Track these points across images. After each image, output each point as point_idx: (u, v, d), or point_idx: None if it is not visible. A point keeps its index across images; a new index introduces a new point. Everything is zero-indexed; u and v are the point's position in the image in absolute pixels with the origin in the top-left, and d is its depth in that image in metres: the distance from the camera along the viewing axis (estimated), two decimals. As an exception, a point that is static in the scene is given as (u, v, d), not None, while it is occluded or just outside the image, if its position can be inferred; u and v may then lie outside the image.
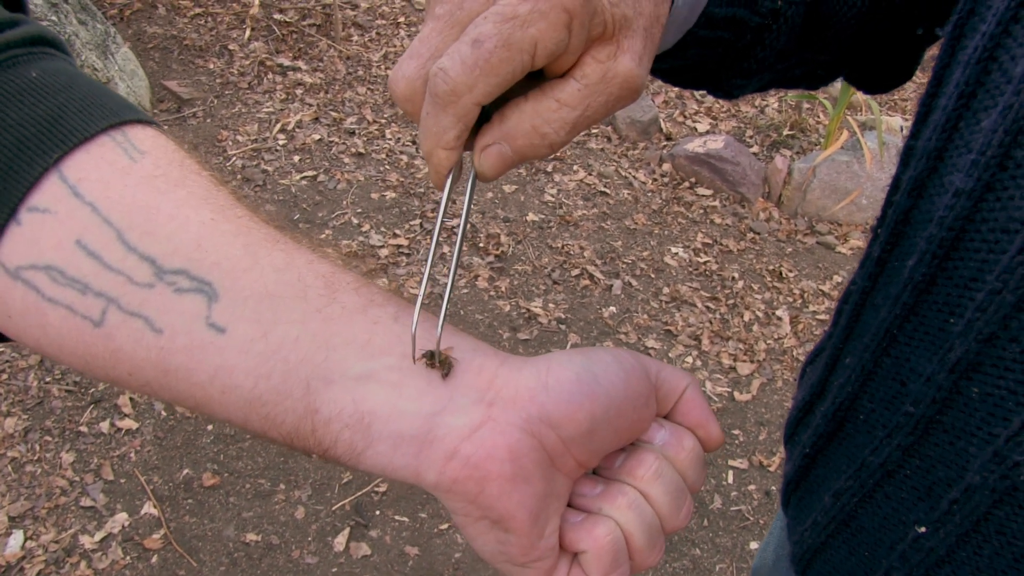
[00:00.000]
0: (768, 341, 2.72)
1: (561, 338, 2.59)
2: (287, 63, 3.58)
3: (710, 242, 3.09)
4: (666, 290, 2.84)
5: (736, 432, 2.42)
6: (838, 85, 3.32)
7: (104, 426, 2.17)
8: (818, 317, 2.85)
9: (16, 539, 1.90)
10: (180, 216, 0.41)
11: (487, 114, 0.42)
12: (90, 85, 0.44)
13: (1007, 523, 0.43)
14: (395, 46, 3.82)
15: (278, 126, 3.25)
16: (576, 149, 3.43)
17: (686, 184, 3.35)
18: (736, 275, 2.96)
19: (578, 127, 0.41)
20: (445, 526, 2.05)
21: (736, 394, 2.53)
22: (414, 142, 3.29)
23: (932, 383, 0.45)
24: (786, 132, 3.62)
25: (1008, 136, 0.40)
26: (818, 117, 3.78)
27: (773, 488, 2.30)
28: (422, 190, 3.05)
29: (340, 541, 1.99)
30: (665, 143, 3.55)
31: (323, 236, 2.73)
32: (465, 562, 1.98)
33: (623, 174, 3.35)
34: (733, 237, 3.13)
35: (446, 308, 0.41)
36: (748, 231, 3.18)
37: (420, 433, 0.38)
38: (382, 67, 3.68)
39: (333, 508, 2.06)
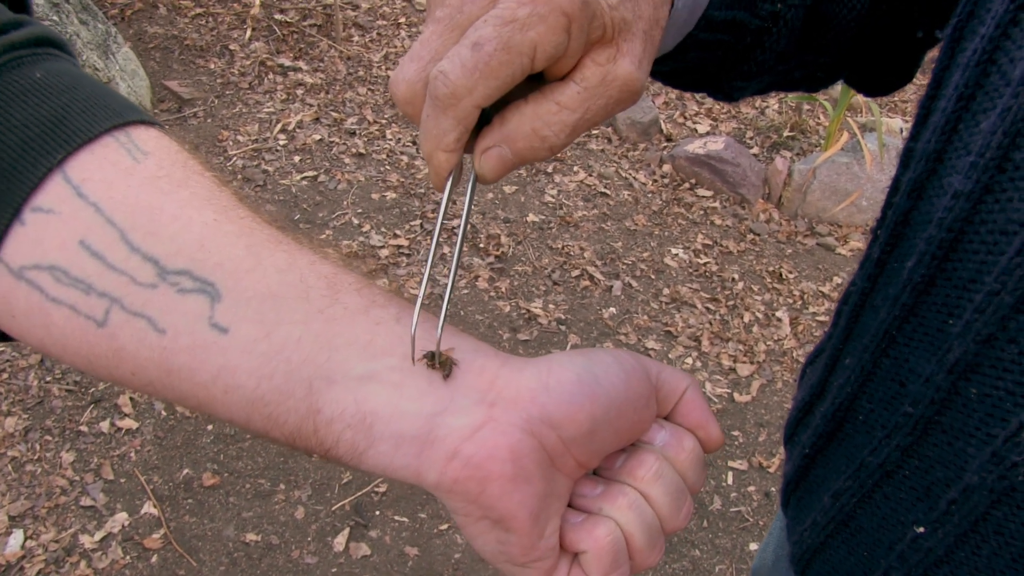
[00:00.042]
0: (768, 342, 2.72)
1: (561, 339, 2.59)
2: (288, 63, 3.59)
3: (710, 243, 3.10)
4: (666, 291, 2.85)
5: (736, 433, 2.43)
6: (838, 87, 3.32)
7: (104, 426, 2.17)
8: (818, 318, 2.85)
9: (16, 538, 1.90)
10: (183, 217, 0.41)
11: (487, 117, 0.42)
12: (94, 86, 0.44)
13: (1005, 523, 0.43)
14: (396, 47, 3.83)
15: (279, 126, 3.25)
16: (576, 150, 3.43)
17: (686, 185, 3.35)
18: (736, 276, 2.97)
19: (578, 130, 0.41)
20: (445, 527, 2.05)
21: (736, 395, 2.53)
22: (414, 143, 3.29)
23: (931, 384, 0.45)
24: (786, 133, 3.62)
25: (1007, 138, 0.40)
26: (818, 119, 3.78)
27: (773, 489, 2.30)
28: (422, 191, 3.06)
29: (340, 541, 1.99)
30: (665, 144, 3.55)
31: (323, 236, 2.73)
32: (465, 563, 1.98)
33: (623, 175, 3.35)
34: (733, 238, 3.14)
35: (446, 309, 0.41)
36: (748, 232, 3.18)
37: (421, 433, 0.39)
38: (383, 68, 3.69)
39: (333, 508, 2.06)
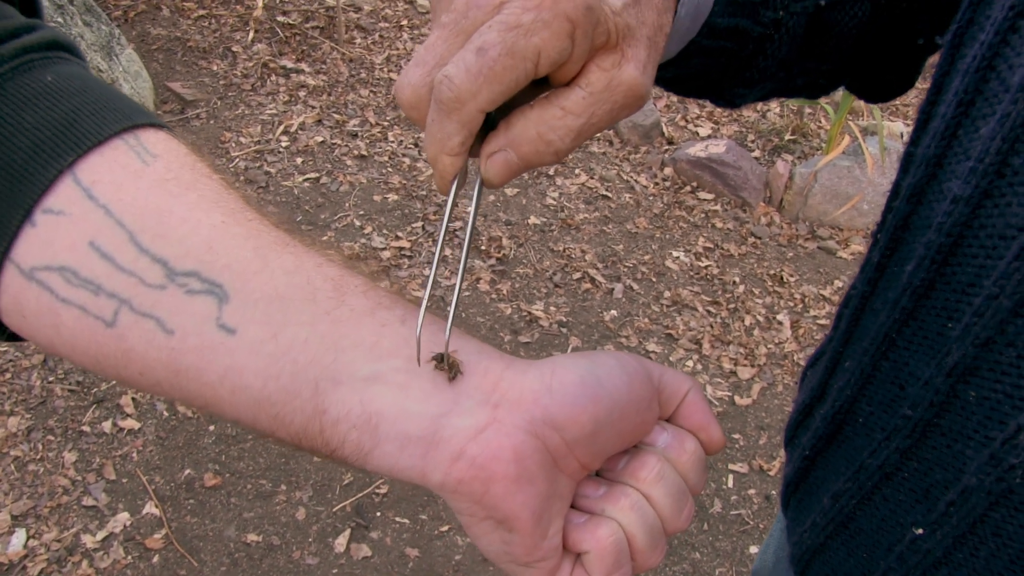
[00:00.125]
0: (769, 345, 2.72)
1: (562, 341, 2.60)
2: (290, 65, 3.59)
3: (711, 246, 3.10)
4: (667, 294, 2.85)
5: (736, 436, 2.43)
6: (840, 90, 3.32)
7: (106, 426, 2.17)
8: (819, 322, 2.86)
9: (18, 538, 1.91)
10: (192, 219, 0.41)
11: (493, 122, 0.43)
12: (103, 89, 0.44)
13: (1003, 525, 0.43)
14: (398, 49, 3.83)
15: (281, 128, 3.26)
16: (578, 153, 3.44)
17: (688, 188, 3.35)
18: (737, 279, 2.97)
19: (583, 135, 0.42)
20: (446, 528, 2.05)
21: (737, 398, 2.53)
22: (416, 145, 3.30)
23: (930, 387, 0.45)
24: (788, 137, 3.63)
25: (1006, 144, 0.40)
26: (820, 122, 3.78)
27: (773, 492, 2.30)
28: (424, 193, 3.06)
29: (341, 542, 1.99)
30: (667, 147, 3.56)
31: (325, 238, 2.73)
32: (465, 564, 1.98)
33: (625, 178, 3.36)
34: (734, 241, 3.14)
35: (454, 311, 0.42)
36: (749, 235, 3.19)
37: (426, 434, 0.39)
38: (385, 70, 3.69)
39: (334, 509, 2.07)
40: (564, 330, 2.64)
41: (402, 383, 0.40)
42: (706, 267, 3.00)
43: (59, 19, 2.87)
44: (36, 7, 0.49)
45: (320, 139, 3.24)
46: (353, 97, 3.50)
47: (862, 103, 3.58)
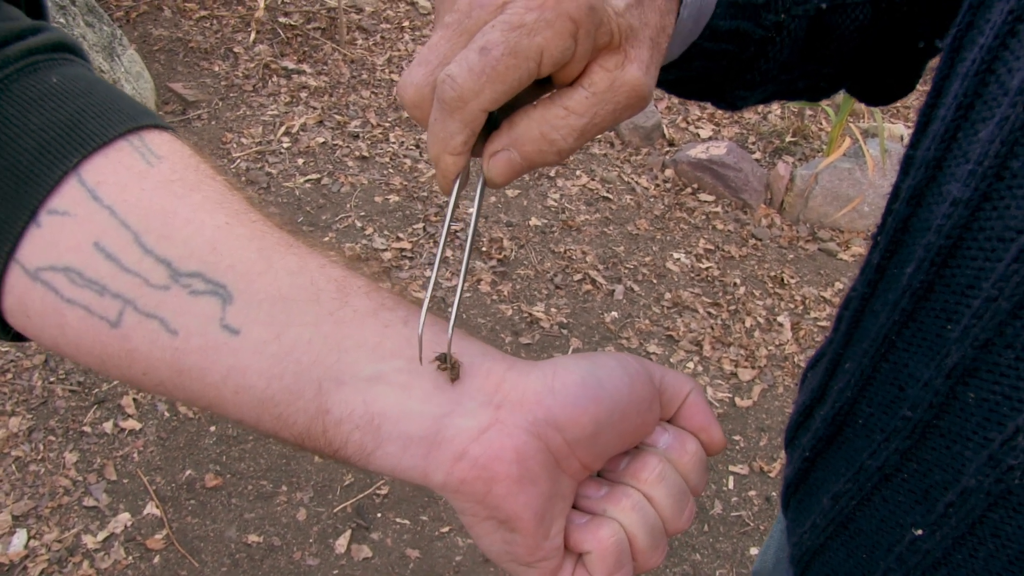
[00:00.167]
0: (769, 347, 2.72)
1: (563, 343, 2.60)
2: (292, 66, 3.60)
3: (712, 248, 3.10)
4: (668, 295, 2.85)
5: (737, 438, 2.43)
6: (841, 93, 3.32)
7: (107, 426, 2.17)
8: (819, 323, 2.86)
9: (19, 538, 1.91)
10: (196, 220, 0.42)
11: (496, 122, 0.43)
12: (108, 90, 0.45)
13: (1002, 526, 0.43)
14: (399, 50, 3.84)
15: (282, 129, 3.26)
16: (579, 154, 3.44)
17: (688, 190, 3.36)
18: (738, 281, 2.97)
19: (586, 134, 0.42)
20: (446, 529, 2.05)
21: (737, 400, 2.53)
22: (418, 146, 3.30)
23: (929, 388, 0.45)
24: (788, 139, 3.63)
25: (1004, 147, 0.41)
26: (820, 124, 3.79)
27: (773, 494, 2.30)
28: (425, 194, 3.06)
29: (341, 543, 1.99)
30: (668, 149, 3.56)
31: (326, 239, 2.74)
32: (466, 565, 1.99)
33: (626, 179, 3.36)
34: (735, 243, 3.14)
35: (456, 311, 0.42)
36: (750, 237, 3.19)
37: (429, 434, 0.39)
38: (386, 71, 3.70)
39: (335, 510, 2.07)
40: (565, 331, 2.64)
41: (405, 384, 0.40)
42: (707, 269, 3.00)
43: (61, 19, 2.88)
44: (41, 9, 0.50)
45: (321, 140, 3.24)
46: (354, 98, 3.50)
47: (863, 105, 3.58)
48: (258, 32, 3.74)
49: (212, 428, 2.21)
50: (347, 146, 3.25)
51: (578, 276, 2.86)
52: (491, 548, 0.42)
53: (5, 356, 2.29)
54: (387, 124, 3.40)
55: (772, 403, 2.55)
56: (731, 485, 2.30)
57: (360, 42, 3.84)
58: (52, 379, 2.26)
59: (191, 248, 0.41)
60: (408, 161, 3.22)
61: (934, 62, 0.57)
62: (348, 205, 2.96)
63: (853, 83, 0.69)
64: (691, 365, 2.62)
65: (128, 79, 3.11)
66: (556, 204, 3.16)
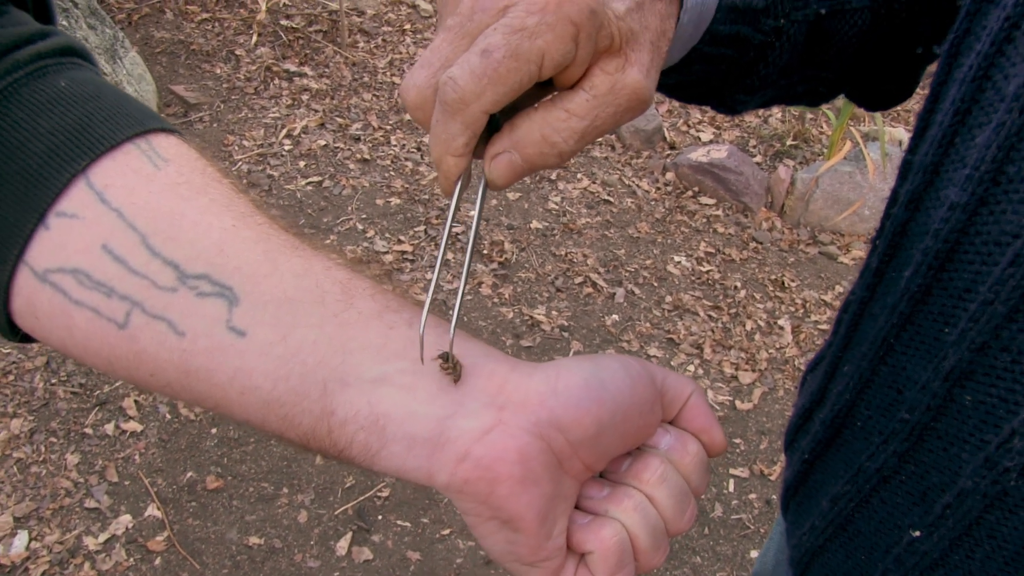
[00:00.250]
0: (770, 350, 2.73)
1: (564, 345, 2.60)
2: (293, 69, 3.60)
3: (713, 251, 3.11)
4: (669, 299, 2.86)
5: (737, 441, 2.43)
6: (841, 96, 3.32)
7: (109, 428, 2.18)
8: (820, 327, 2.86)
9: (21, 539, 1.91)
10: (203, 222, 0.42)
11: (498, 124, 0.43)
12: (116, 94, 0.45)
13: (998, 527, 0.44)
14: (401, 53, 3.84)
15: (284, 131, 3.27)
16: (580, 157, 3.45)
17: (689, 193, 3.36)
18: (738, 284, 2.97)
19: (587, 137, 0.42)
20: (447, 531, 2.06)
21: (738, 403, 2.54)
22: (419, 148, 3.31)
23: (927, 391, 0.46)
24: (789, 142, 3.63)
25: (1001, 152, 0.41)
26: (821, 128, 3.79)
27: (774, 497, 2.30)
28: (427, 196, 3.07)
29: (342, 545, 2.00)
30: (669, 152, 3.56)
31: (328, 242, 2.74)
32: (467, 568, 1.99)
33: (627, 183, 3.36)
34: (736, 246, 3.15)
35: (458, 311, 0.42)
36: (751, 240, 3.19)
37: (433, 435, 0.40)
38: (388, 73, 3.70)
39: (336, 512, 2.07)
40: (566, 334, 2.64)
41: (409, 385, 0.40)
42: (707, 272, 3.00)
43: (64, 22, 2.88)
44: (49, 13, 0.50)
45: (323, 143, 3.25)
46: (356, 101, 3.51)
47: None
48: (260, 35, 3.74)
49: (213, 430, 2.21)
50: (348, 149, 3.25)
51: (579, 279, 2.86)
52: (494, 548, 0.42)
53: (7, 358, 2.29)
54: (388, 127, 3.40)
55: (772, 406, 2.55)
56: (731, 488, 2.30)
57: (362, 45, 3.84)
58: (54, 381, 2.26)
59: (198, 250, 0.41)
60: (409, 164, 3.22)
61: (933, 67, 0.57)
62: (349, 208, 2.97)
63: (852, 88, 0.69)
64: (692, 368, 2.62)
65: (130, 81, 3.12)
66: (557, 207, 3.16)
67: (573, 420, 0.40)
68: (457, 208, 0.44)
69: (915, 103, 3.95)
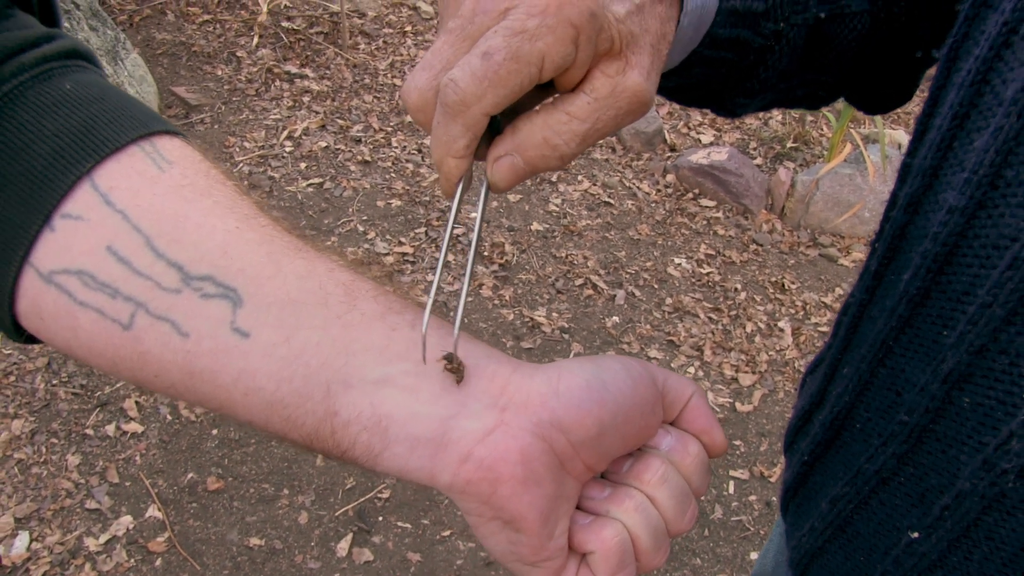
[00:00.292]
0: (770, 352, 2.73)
1: (564, 347, 2.61)
2: (294, 70, 3.61)
3: (713, 253, 3.11)
4: (669, 301, 2.86)
5: (737, 443, 2.43)
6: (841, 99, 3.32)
7: (110, 429, 2.18)
8: (820, 329, 2.86)
9: (22, 540, 1.92)
10: (206, 224, 0.42)
11: (499, 127, 0.44)
12: (120, 97, 0.46)
13: (996, 528, 0.44)
14: (402, 55, 3.85)
15: (285, 133, 3.27)
16: (580, 159, 3.45)
17: (690, 195, 3.36)
18: (739, 286, 2.98)
19: (588, 140, 0.43)
20: (447, 533, 2.06)
21: (738, 405, 2.54)
22: (420, 150, 3.31)
23: (926, 393, 0.46)
24: (790, 144, 3.64)
25: (999, 156, 0.41)
26: (821, 130, 3.79)
27: (774, 499, 2.30)
28: (427, 198, 3.07)
29: (343, 547, 2.00)
30: (669, 154, 3.57)
31: (329, 243, 2.74)
32: (467, 569, 1.99)
33: (627, 185, 3.37)
34: (736, 248, 3.15)
35: (461, 312, 0.43)
36: (751, 243, 3.20)
37: (435, 436, 0.40)
38: (388, 75, 3.71)
39: (336, 514, 2.07)
40: (566, 336, 2.64)
41: (411, 386, 0.41)
42: (708, 274, 3.00)
43: (66, 24, 2.89)
44: (54, 16, 0.51)
45: (324, 144, 3.25)
46: (357, 102, 3.51)
47: (863, 111, 3.57)
48: (261, 36, 3.75)
49: (214, 431, 2.22)
50: (349, 150, 3.26)
51: (579, 281, 2.86)
52: (496, 548, 0.43)
53: (8, 359, 2.29)
54: (389, 128, 3.41)
55: (773, 408, 2.55)
56: (731, 490, 2.31)
57: (362, 46, 3.85)
58: (55, 382, 2.27)
59: (202, 252, 0.42)
60: (410, 165, 3.22)
61: (932, 71, 0.58)
62: (350, 209, 2.97)
63: (851, 92, 0.69)
64: (692, 370, 2.62)
65: (131, 83, 3.12)
66: (558, 209, 3.17)
67: (575, 421, 0.41)
68: (458, 210, 0.44)
69: (915, 106, 3.96)
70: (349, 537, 2.02)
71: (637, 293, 2.86)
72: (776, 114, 3.86)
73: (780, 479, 2.33)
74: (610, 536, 0.43)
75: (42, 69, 0.44)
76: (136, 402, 2.25)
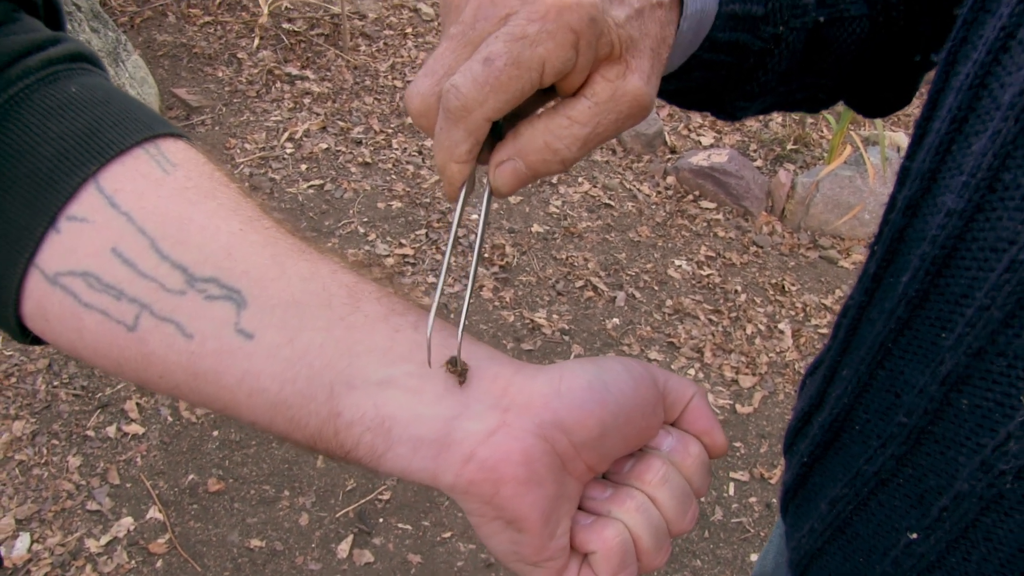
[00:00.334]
0: (770, 354, 2.73)
1: (564, 349, 2.61)
2: (295, 72, 3.61)
3: (713, 255, 3.11)
4: (669, 302, 2.86)
5: (737, 444, 2.44)
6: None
7: (111, 431, 2.18)
8: (820, 331, 2.87)
9: (23, 542, 1.92)
10: (211, 226, 0.43)
11: (501, 132, 0.44)
12: (125, 100, 0.46)
13: (994, 529, 0.44)
14: (402, 57, 3.85)
15: (286, 135, 3.27)
16: (581, 161, 3.44)
17: (690, 197, 3.37)
18: (739, 288, 2.98)
19: (589, 144, 0.43)
20: (448, 534, 2.06)
21: (738, 407, 2.54)
22: (420, 152, 3.31)
23: (924, 395, 0.46)
24: (790, 146, 3.64)
25: (997, 160, 0.42)
26: (821, 132, 3.80)
27: (774, 500, 2.31)
28: (428, 200, 3.08)
29: (343, 548, 2.00)
30: (670, 156, 3.57)
31: (329, 245, 2.74)
32: (467, 571, 1.99)
33: (628, 186, 3.37)
34: (736, 250, 3.15)
35: (465, 314, 0.43)
36: (751, 244, 3.20)
37: (438, 437, 0.40)
38: (389, 77, 3.71)
39: (337, 515, 2.07)
40: (566, 338, 2.65)
41: (414, 387, 0.41)
42: (708, 276, 3.01)
43: (68, 26, 2.89)
44: (59, 20, 0.51)
45: (324, 146, 3.26)
46: (357, 104, 3.52)
47: (864, 114, 3.57)
48: (262, 38, 3.75)
49: (215, 433, 2.22)
50: (350, 152, 3.26)
51: (580, 283, 2.86)
52: (498, 548, 0.43)
53: (9, 360, 2.30)
54: (390, 130, 3.41)
55: (773, 410, 2.55)
56: (732, 491, 2.31)
57: (363, 48, 3.85)
58: (56, 383, 2.27)
59: (206, 254, 0.42)
60: (411, 167, 3.23)
61: (931, 75, 0.58)
62: (351, 211, 2.98)
63: (851, 95, 0.70)
64: (692, 372, 2.62)
65: (132, 84, 3.12)
66: (558, 211, 3.17)
67: (577, 422, 0.41)
68: (462, 214, 0.44)
69: (915, 108, 3.96)
70: (350, 539, 2.02)
71: (637, 295, 2.87)
72: (776, 116, 3.86)
73: (780, 481, 2.33)
74: (612, 536, 0.43)
75: (47, 72, 0.44)
76: (137, 404, 2.25)
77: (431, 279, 2.72)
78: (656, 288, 2.91)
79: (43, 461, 2.09)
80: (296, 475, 2.15)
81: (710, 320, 2.83)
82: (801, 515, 0.61)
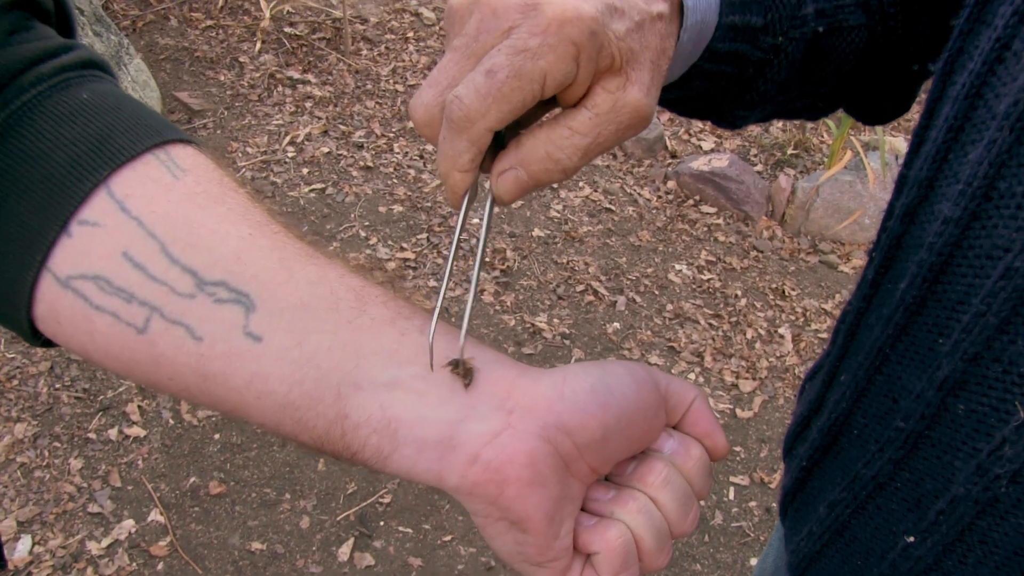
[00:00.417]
0: (770, 359, 2.74)
1: (565, 353, 2.61)
2: (297, 76, 3.62)
3: (714, 260, 3.12)
4: (669, 307, 2.87)
5: (738, 449, 2.44)
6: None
7: (112, 433, 2.19)
8: (820, 335, 2.87)
9: (24, 544, 1.92)
10: (220, 231, 0.44)
11: (503, 141, 0.45)
12: (135, 106, 0.47)
13: (990, 533, 0.45)
14: (404, 61, 3.86)
15: (287, 138, 3.28)
16: (582, 166, 3.45)
17: (690, 202, 3.37)
18: (739, 293, 2.98)
19: (589, 154, 0.44)
20: (449, 538, 2.06)
21: (738, 411, 2.54)
22: (422, 156, 3.32)
23: (921, 400, 0.47)
24: (790, 151, 3.65)
25: (992, 168, 0.42)
26: (822, 137, 3.80)
27: (774, 505, 2.31)
28: (429, 204, 3.08)
29: (344, 551, 2.00)
30: (670, 161, 3.58)
31: (331, 249, 2.75)
32: (468, 574, 2.00)
33: (628, 191, 3.38)
34: (736, 255, 3.16)
35: (468, 318, 0.44)
36: (751, 249, 3.21)
37: (443, 439, 0.41)
38: (391, 81, 3.72)
39: (338, 518, 2.08)
40: (567, 342, 2.65)
41: (420, 389, 0.42)
42: (708, 280, 3.01)
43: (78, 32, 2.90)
44: (71, 27, 0.52)
45: (326, 150, 3.26)
46: (359, 108, 3.52)
47: (864, 119, 3.58)
48: (263, 42, 3.76)
49: (216, 436, 2.22)
50: (351, 156, 3.27)
51: (580, 287, 2.87)
52: (502, 548, 0.44)
53: (11, 363, 2.30)
54: (391, 134, 3.42)
55: (773, 414, 2.56)
56: (732, 496, 2.31)
57: (365, 52, 3.86)
58: (58, 386, 2.27)
59: (216, 258, 0.43)
60: (412, 171, 3.24)
61: (929, 84, 0.59)
62: (352, 215, 2.98)
63: (850, 103, 0.70)
64: (692, 376, 2.63)
65: (134, 88, 3.13)
66: (559, 215, 3.18)
67: (580, 424, 0.42)
68: (465, 221, 0.45)
69: (915, 114, 3.96)
70: (350, 542, 2.03)
71: (638, 299, 2.87)
72: (777, 122, 3.87)
73: (780, 484, 2.33)
74: (614, 537, 0.44)
75: (60, 79, 0.45)
76: (139, 406, 2.26)
77: (432, 283, 2.72)
78: (656, 292, 2.92)
79: (45, 463, 2.10)
80: (297, 478, 2.15)
81: (710, 324, 2.83)
82: (800, 518, 0.62)
